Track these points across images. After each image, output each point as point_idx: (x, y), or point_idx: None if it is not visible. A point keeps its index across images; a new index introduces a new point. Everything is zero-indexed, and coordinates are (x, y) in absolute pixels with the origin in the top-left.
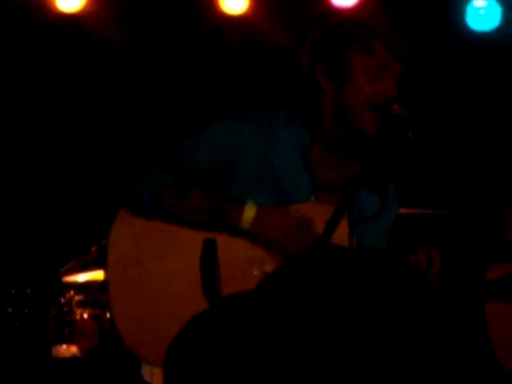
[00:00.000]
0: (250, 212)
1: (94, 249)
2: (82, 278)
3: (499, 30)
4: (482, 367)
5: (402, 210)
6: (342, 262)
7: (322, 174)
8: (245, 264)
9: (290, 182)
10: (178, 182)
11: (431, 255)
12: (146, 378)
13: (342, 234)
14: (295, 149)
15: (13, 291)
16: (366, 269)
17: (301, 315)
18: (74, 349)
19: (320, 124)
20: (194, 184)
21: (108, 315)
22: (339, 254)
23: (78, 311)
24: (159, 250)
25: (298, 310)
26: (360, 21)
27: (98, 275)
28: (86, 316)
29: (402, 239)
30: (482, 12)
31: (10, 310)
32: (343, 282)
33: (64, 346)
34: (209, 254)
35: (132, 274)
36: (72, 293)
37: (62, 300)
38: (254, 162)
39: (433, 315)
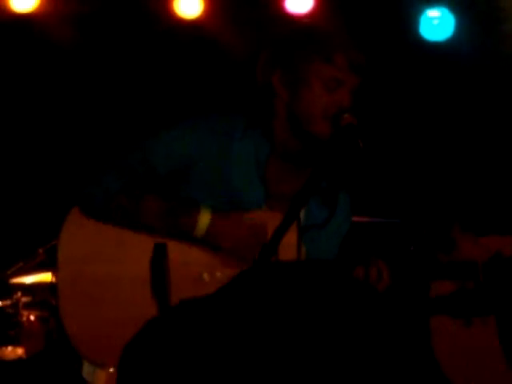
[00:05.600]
0: (204, 220)
1: (41, 251)
2: (29, 279)
3: (452, 40)
4: (426, 380)
5: (354, 219)
6: (288, 278)
7: (276, 184)
8: (195, 269)
9: (242, 191)
10: (134, 186)
11: (381, 270)
12: (86, 376)
13: (290, 242)
14: (251, 158)
15: None
16: (310, 283)
17: (247, 329)
18: (19, 351)
19: (272, 129)
20: (151, 187)
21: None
22: (285, 269)
23: (25, 313)
24: (110, 252)
25: (245, 323)
26: (323, 30)
27: (45, 277)
28: (32, 318)
29: (352, 247)
30: (435, 22)
31: None
32: (289, 296)
33: (9, 348)
34: (159, 259)
35: (81, 275)
36: (19, 294)
37: (9, 302)
38: (210, 169)
39: (378, 328)
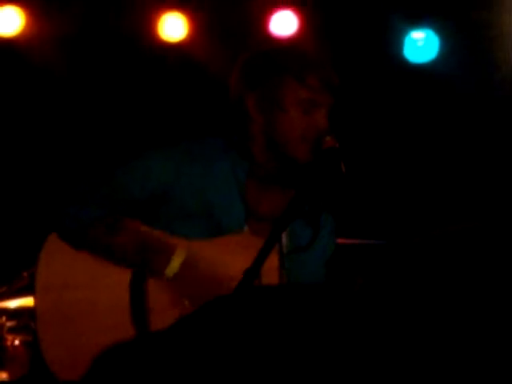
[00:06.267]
0: (174, 266)
1: (26, 274)
2: (13, 304)
3: (437, 62)
4: None
5: (338, 240)
6: (271, 303)
7: (257, 205)
8: (175, 295)
9: (223, 213)
10: (109, 214)
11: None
12: None
13: (272, 266)
14: (231, 180)
15: None
16: (295, 308)
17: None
18: (3, 375)
19: (252, 154)
20: (129, 213)
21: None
22: (268, 293)
23: (9, 337)
24: (88, 278)
25: (223, 350)
26: (293, 51)
27: (30, 301)
28: (17, 342)
29: (336, 269)
30: (419, 43)
31: None
32: (272, 322)
33: None
34: (138, 285)
35: (60, 302)
36: (3, 319)
37: None
38: (189, 193)
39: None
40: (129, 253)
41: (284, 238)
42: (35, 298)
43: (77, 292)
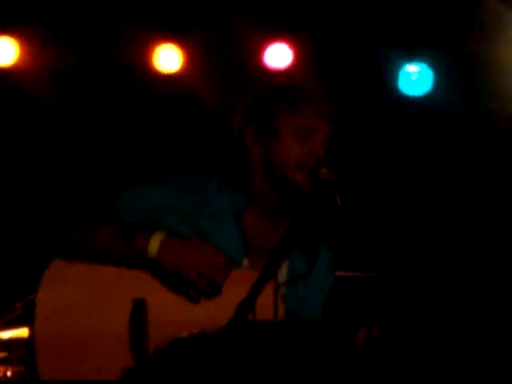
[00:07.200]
0: (156, 239)
1: (18, 305)
2: (6, 335)
3: (431, 95)
4: None
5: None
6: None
7: (256, 238)
8: (174, 326)
9: (221, 246)
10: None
11: (370, 336)
12: None
13: (267, 299)
14: (228, 214)
15: None
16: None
17: None
18: None
19: (252, 186)
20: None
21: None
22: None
23: (1, 369)
24: (88, 306)
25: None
26: (288, 82)
27: (22, 332)
28: (9, 374)
29: (334, 302)
30: (414, 77)
31: None
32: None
33: None
34: (138, 315)
35: (59, 330)
36: None
37: None
38: (183, 223)
39: None
40: (111, 238)
41: (284, 270)
42: (34, 326)
43: (76, 320)
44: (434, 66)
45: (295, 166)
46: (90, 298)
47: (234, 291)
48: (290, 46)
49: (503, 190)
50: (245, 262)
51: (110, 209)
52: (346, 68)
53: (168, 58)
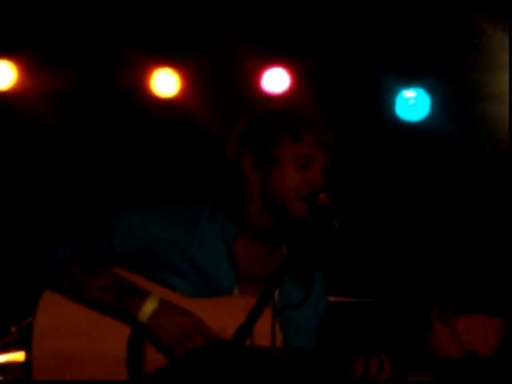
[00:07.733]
0: (149, 307)
1: (14, 329)
2: (1, 359)
3: (428, 121)
4: None
5: (329, 298)
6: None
7: (247, 265)
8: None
9: (212, 275)
10: (89, 259)
11: (382, 361)
12: None
13: (265, 325)
14: (219, 242)
15: None
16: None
17: None
18: None
19: (245, 213)
20: (106, 263)
21: None
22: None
23: None
24: (86, 330)
25: None
26: (287, 110)
27: (18, 356)
28: None
29: (328, 328)
30: (411, 102)
31: None
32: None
33: None
34: (137, 340)
35: (56, 352)
36: None
37: None
38: (175, 253)
39: None
40: (104, 294)
41: (276, 296)
42: (32, 346)
43: (75, 341)
44: (431, 91)
45: (294, 196)
46: (87, 321)
47: (228, 318)
48: (288, 71)
49: (494, 212)
50: (235, 290)
51: (106, 240)
52: (344, 93)
53: (165, 83)
